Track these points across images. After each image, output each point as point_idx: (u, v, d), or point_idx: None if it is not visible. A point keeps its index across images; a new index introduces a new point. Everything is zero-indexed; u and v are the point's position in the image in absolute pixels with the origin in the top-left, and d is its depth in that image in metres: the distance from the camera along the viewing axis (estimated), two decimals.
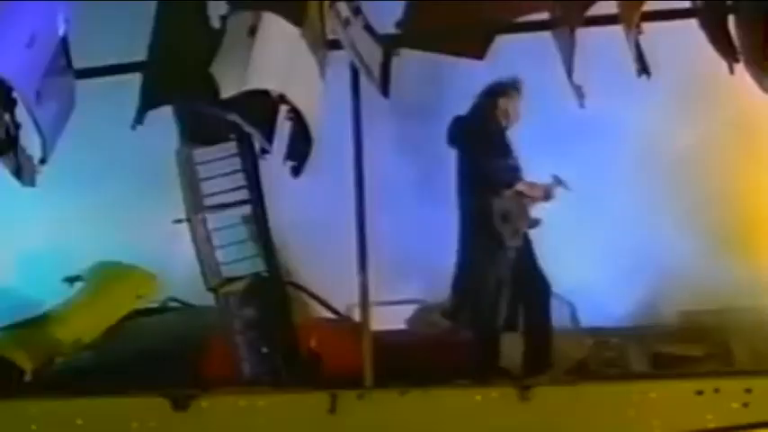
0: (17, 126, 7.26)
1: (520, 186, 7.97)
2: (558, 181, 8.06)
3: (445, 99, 9.88)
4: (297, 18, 6.96)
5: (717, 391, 7.26)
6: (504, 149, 8.02)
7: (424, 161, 9.74)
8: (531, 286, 8.03)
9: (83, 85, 7.62)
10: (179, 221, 7.91)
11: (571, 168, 8.38)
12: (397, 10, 7.77)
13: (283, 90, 6.82)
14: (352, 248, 7.63)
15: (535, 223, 8.06)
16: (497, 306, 7.92)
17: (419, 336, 8.52)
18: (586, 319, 8.47)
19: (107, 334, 8.56)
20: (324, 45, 7.26)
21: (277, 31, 6.90)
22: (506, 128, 8.12)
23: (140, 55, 7.38)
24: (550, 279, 8.13)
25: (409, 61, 7.83)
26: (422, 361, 7.83)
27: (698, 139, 9.83)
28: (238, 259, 7.89)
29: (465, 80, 9.10)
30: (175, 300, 9.31)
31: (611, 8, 6.93)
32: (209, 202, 7.87)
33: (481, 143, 7.94)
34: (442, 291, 8.25)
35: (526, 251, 8.03)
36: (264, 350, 7.83)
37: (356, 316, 8.11)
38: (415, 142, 10.04)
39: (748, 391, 7.24)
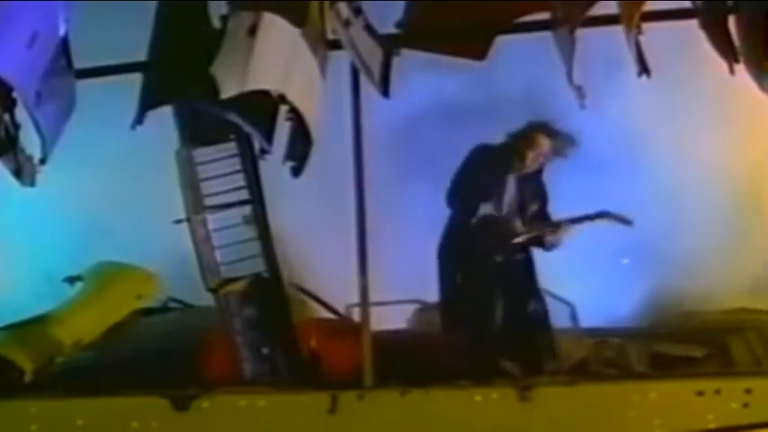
0: (17, 126, 7.23)
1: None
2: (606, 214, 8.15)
3: (446, 98, 9.92)
4: (297, 18, 6.95)
5: (717, 391, 7.27)
6: (492, 192, 8.06)
7: (425, 160, 9.74)
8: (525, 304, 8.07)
9: (83, 85, 7.61)
10: (179, 221, 7.91)
11: (571, 168, 8.38)
12: (397, 10, 7.77)
13: (283, 90, 6.80)
14: (352, 248, 7.62)
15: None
16: (491, 310, 7.95)
17: (419, 336, 8.52)
18: (586, 319, 8.47)
19: (107, 334, 8.55)
20: (324, 45, 7.25)
21: (277, 32, 6.88)
22: (524, 171, 8.17)
23: (140, 55, 7.38)
24: (549, 280, 8.15)
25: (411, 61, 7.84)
26: (422, 361, 7.82)
27: (697, 138, 9.84)
28: (238, 259, 7.87)
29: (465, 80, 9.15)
30: (175, 300, 9.30)
31: (612, 8, 6.93)
32: (209, 202, 7.86)
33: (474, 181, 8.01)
34: None
35: (522, 266, 8.08)
36: (264, 350, 7.83)
37: (356, 316, 8.11)
38: (417, 141, 10.05)
39: (748, 391, 7.25)
